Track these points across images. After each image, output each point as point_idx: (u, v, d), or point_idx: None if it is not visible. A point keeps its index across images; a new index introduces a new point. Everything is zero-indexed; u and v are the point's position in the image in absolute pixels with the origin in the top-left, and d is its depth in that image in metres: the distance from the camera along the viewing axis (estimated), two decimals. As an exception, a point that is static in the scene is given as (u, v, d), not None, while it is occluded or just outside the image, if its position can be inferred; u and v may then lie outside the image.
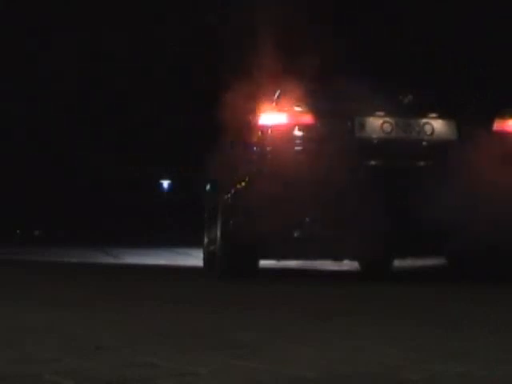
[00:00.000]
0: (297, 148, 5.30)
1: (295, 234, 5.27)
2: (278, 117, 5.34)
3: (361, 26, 6.35)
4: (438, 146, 5.33)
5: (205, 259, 7.83)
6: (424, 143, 5.33)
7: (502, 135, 5.42)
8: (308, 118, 5.30)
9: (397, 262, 7.63)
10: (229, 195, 5.80)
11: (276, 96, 5.34)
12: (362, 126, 5.29)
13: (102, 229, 33.26)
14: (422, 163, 5.38)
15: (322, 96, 5.49)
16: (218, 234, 5.90)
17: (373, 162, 5.37)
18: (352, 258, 7.15)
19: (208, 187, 8.03)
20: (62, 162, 33.54)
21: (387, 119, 5.29)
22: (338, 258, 6.78)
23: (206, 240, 7.67)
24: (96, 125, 29.72)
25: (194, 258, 10.01)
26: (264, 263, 6.07)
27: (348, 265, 8.06)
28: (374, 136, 5.29)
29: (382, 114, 5.31)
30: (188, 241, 14.34)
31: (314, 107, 5.33)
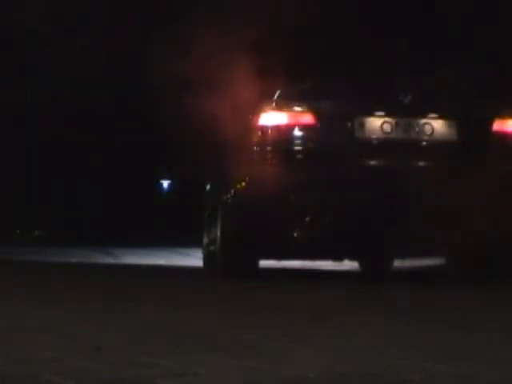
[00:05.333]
0: (297, 148, 5.30)
1: (295, 234, 5.28)
2: (278, 117, 5.34)
3: (361, 25, 6.35)
4: (438, 146, 5.33)
5: (205, 259, 7.83)
6: (424, 143, 5.33)
7: (502, 135, 5.42)
8: (308, 118, 5.30)
9: (397, 262, 7.64)
10: (229, 195, 5.80)
11: (276, 96, 5.34)
12: (362, 126, 5.29)
13: (103, 229, 33.26)
14: (421, 163, 5.38)
15: (322, 96, 5.50)
16: (218, 234, 5.90)
17: (372, 162, 5.37)
18: (352, 258, 7.15)
19: (208, 187, 8.03)
20: (61, 162, 33.54)
21: (387, 119, 5.29)
22: (337, 258, 6.78)
23: (205, 240, 7.67)
24: (96, 125, 29.72)
25: (194, 258, 10.01)
26: (264, 263, 6.07)
27: (348, 265, 8.06)
28: (374, 136, 5.29)
29: (381, 113, 5.31)
30: (188, 241, 14.34)
31: (314, 107, 5.33)
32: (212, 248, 6.81)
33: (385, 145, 5.30)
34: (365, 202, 5.19)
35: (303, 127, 5.30)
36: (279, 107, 5.34)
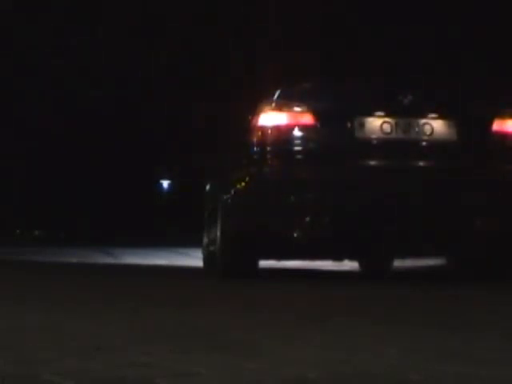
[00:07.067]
0: (297, 148, 5.30)
1: (295, 234, 5.28)
2: (278, 117, 5.34)
3: (361, 25, 6.35)
4: (438, 146, 5.33)
5: (205, 259, 7.83)
6: (424, 143, 5.33)
7: (502, 135, 5.42)
8: (308, 118, 5.30)
9: (397, 262, 7.64)
10: (229, 195, 5.80)
11: (276, 96, 5.34)
12: (362, 126, 5.29)
13: (103, 229, 33.28)
14: (421, 163, 5.38)
15: (322, 96, 5.50)
16: (218, 234, 5.90)
17: (372, 162, 5.37)
18: (352, 258, 7.15)
19: (208, 187, 8.03)
20: (61, 162, 33.55)
21: (387, 119, 5.30)
22: (337, 258, 6.79)
23: (205, 240, 7.67)
24: (96, 125, 29.73)
25: (194, 258, 10.01)
26: (264, 263, 6.07)
27: (348, 265, 8.06)
28: (374, 136, 5.29)
29: (381, 114, 5.31)
30: (188, 241, 14.34)
31: (314, 107, 5.33)
32: (212, 248, 6.81)
33: (385, 145, 5.30)
34: (365, 202, 5.19)
35: (303, 127, 5.30)
36: (279, 107, 5.34)
